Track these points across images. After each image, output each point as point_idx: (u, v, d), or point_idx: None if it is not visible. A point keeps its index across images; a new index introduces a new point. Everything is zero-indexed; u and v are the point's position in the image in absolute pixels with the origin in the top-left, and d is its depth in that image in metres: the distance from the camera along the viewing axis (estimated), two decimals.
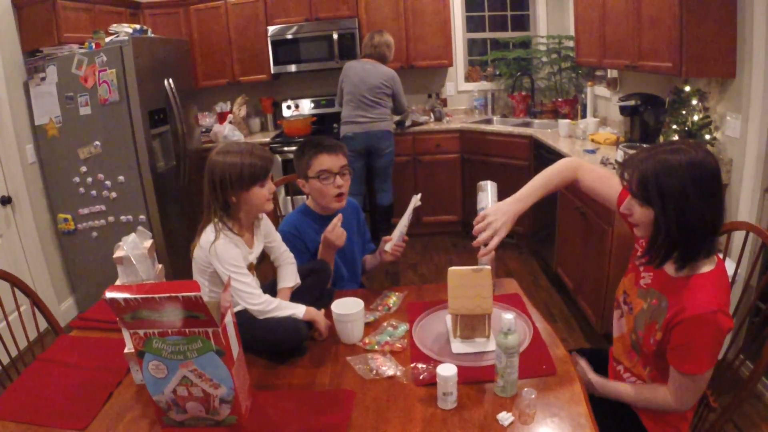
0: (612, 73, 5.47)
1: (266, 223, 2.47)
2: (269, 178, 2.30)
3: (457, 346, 2.14)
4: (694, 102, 3.79)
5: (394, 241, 2.70)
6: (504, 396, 1.85)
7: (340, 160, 2.72)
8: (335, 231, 2.60)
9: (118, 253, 2.04)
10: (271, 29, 6.39)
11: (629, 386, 2.06)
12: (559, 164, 2.29)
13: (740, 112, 3.49)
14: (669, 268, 1.94)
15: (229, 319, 1.73)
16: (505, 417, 1.74)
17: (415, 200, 2.63)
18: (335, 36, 6.32)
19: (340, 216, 2.63)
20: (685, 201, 1.72)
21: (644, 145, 2.49)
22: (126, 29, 4.84)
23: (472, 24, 7.10)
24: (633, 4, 4.09)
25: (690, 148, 1.75)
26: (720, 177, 1.77)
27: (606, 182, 2.22)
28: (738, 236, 3.11)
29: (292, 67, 6.53)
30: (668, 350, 1.87)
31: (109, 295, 1.60)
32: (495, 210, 2.16)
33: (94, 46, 4.56)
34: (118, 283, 2.05)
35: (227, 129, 6.32)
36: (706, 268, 1.83)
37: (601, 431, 1.71)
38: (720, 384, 2.22)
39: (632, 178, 1.81)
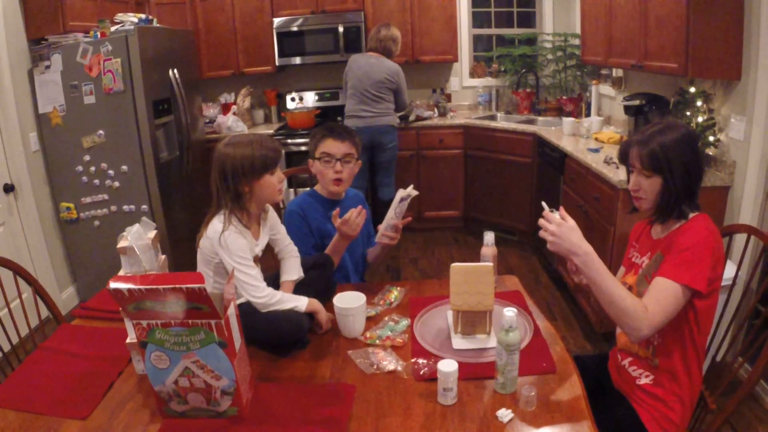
0: (617, 72, 5.47)
1: (272, 216, 2.49)
2: (278, 167, 2.32)
3: (458, 342, 2.15)
4: (699, 103, 3.80)
5: (381, 231, 2.73)
6: (504, 393, 1.86)
7: (346, 148, 2.80)
8: (350, 221, 2.62)
9: (122, 244, 2.04)
10: (276, 21, 6.38)
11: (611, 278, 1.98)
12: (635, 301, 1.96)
13: (745, 115, 3.48)
14: (656, 232, 2.20)
15: (232, 311, 1.73)
16: (504, 413, 1.75)
17: (402, 192, 2.60)
18: (341, 29, 6.32)
19: (360, 209, 2.63)
20: (688, 165, 2.02)
21: None
22: (131, 18, 4.84)
23: (477, 20, 7.09)
24: (640, 3, 4.08)
25: (677, 125, 2.09)
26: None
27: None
28: (739, 239, 3.12)
29: (297, 60, 6.53)
30: (662, 265, 2.01)
31: (113, 285, 1.60)
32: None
33: (99, 35, 4.55)
34: (121, 273, 2.06)
35: (231, 120, 6.32)
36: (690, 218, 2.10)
37: (599, 429, 1.72)
38: (718, 386, 2.23)
39: (641, 157, 2.06)
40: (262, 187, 2.27)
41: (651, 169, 2.05)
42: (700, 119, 3.75)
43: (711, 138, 3.70)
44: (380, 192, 5.87)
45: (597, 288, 1.94)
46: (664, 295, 1.92)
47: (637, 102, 4.43)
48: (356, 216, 2.61)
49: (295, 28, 6.38)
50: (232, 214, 2.23)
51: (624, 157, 2.17)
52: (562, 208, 1.99)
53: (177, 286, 1.56)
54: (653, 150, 2.03)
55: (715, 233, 2.01)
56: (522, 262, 5.68)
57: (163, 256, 2.22)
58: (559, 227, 1.94)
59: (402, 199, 2.61)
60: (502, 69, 6.94)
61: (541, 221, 1.97)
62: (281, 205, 3.45)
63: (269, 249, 2.51)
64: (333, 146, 2.78)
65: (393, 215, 2.66)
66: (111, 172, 4.77)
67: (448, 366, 1.80)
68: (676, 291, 1.91)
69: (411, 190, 2.61)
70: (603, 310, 1.98)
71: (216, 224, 2.21)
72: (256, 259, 2.33)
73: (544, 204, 2.03)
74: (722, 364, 2.36)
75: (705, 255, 1.94)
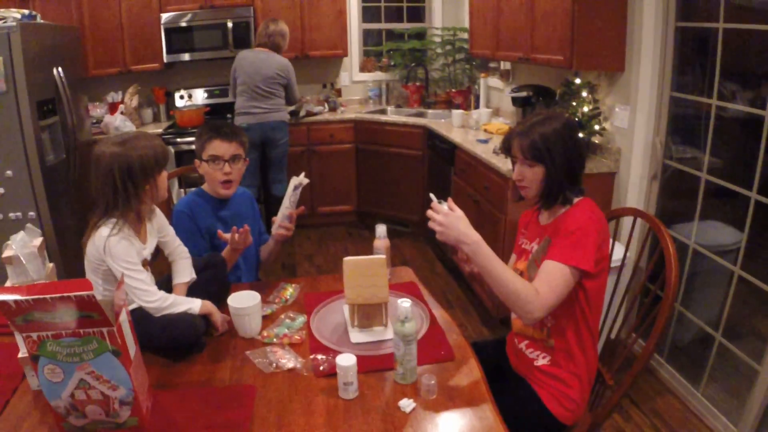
0: (505, 65, 5.60)
1: (160, 218, 2.42)
2: None
3: (356, 336, 2.17)
4: (584, 94, 3.93)
5: (277, 222, 2.76)
6: (404, 383, 1.89)
7: (233, 148, 2.77)
8: (237, 239, 2.60)
9: (6, 253, 1.98)
10: (164, 16, 6.22)
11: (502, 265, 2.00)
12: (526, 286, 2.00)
13: (629, 104, 3.63)
14: (543, 218, 2.29)
15: (124, 318, 1.69)
16: (406, 403, 1.78)
17: (295, 181, 2.69)
18: (230, 24, 6.24)
19: (240, 229, 2.60)
20: (568, 152, 2.10)
21: None
22: (14, 14, 4.62)
23: (368, 14, 7.14)
24: None
25: (556, 116, 2.18)
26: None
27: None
28: (626, 221, 3.26)
29: (186, 56, 6.40)
30: (550, 249, 2.07)
31: None
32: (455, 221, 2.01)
33: None
34: (7, 284, 1.99)
35: (119, 120, 6.13)
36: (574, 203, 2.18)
37: (501, 411, 1.78)
38: (615, 362, 2.32)
39: (522, 148, 2.13)
40: (158, 184, 2.22)
41: (533, 159, 2.11)
42: (585, 109, 3.88)
43: (596, 127, 3.84)
44: (273, 188, 5.85)
45: (488, 275, 1.97)
46: (553, 277, 1.98)
47: (524, 93, 4.54)
48: (243, 234, 2.60)
49: (183, 24, 6.25)
50: (120, 218, 2.14)
51: (507, 149, 2.23)
52: (450, 199, 2.02)
53: (65, 294, 1.52)
54: (534, 141, 2.09)
55: (598, 215, 2.09)
56: (417, 253, 5.76)
57: (51, 264, 2.16)
58: (447, 217, 1.96)
59: (295, 188, 2.67)
60: (392, 63, 7.00)
61: (429, 212, 1.99)
62: (171, 206, 3.40)
63: (161, 252, 2.47)
64: (220, 147, 2.74)
65: (288, 204, 2.70)
66: None
67: (346, 360, 1.82)
68: (565, 272, 1.98)
69: (303, 178, 2.69)
70: (496, 296, 2.03)
71: (102, 230, 2.12)
72: (145, 263, 2.26)
73: (432, 195, 2.06)
74: (617, 341, 2.46)
75: (590, 236, 2.01)
